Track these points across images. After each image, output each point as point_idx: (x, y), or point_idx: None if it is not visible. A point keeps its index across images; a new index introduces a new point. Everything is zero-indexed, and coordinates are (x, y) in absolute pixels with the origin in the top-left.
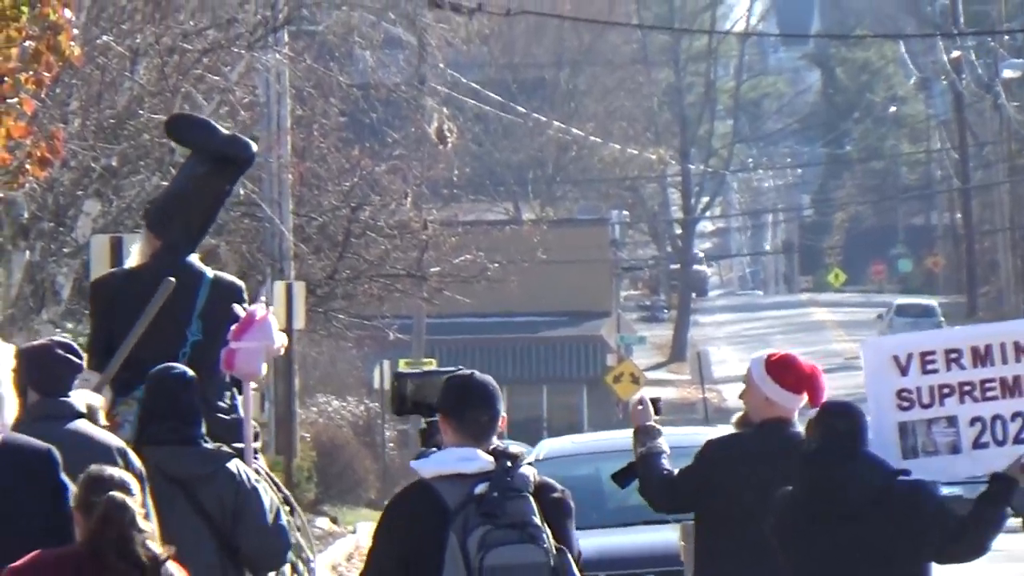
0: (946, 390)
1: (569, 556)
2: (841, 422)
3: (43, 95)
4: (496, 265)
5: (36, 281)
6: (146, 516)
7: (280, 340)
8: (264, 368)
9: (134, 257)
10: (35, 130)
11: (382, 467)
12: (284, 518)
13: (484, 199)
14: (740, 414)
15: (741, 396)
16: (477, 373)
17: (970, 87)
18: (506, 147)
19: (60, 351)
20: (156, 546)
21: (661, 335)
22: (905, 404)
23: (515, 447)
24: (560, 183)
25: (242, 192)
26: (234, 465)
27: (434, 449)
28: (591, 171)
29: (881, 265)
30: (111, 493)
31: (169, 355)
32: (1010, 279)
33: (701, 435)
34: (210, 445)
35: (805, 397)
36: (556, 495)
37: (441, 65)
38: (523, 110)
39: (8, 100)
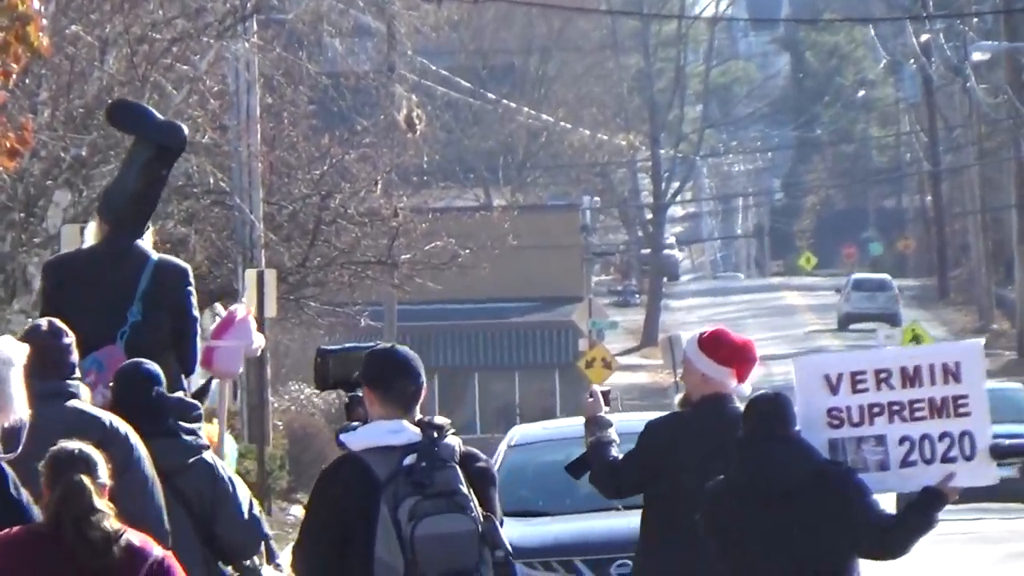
0: (876, 409)
1: (496, 523)
2: (769, 407)
3: (12, 85)
4: (467, 251)
5: (7, 271)
6: (103, 491)
7: (259, 341)
8: (241, 366)
9: (87, 241)
10: (4, 120)
11: None
12: (256, 508)
13: (454, 186)
14: (682, 394)
15: (681, 377)
16: (398, 345)
17: (939, 70)
18: (476, 134)
19: (50, 335)
20: (110, 524)
21: (633, 320)
22: (835, 422)
23: (439, 419)
24: (530, 169)
25: (212, 181)
26: (210, 456)
27: (356, 424)
28: (561, 157)
29: (852, 248)
30: (71, 475)
31: (109, 334)
32: (981, 261)
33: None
34: (188, 437)
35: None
36: (481, 464)
37: (410, 52)
38: (493, 96)
39: None
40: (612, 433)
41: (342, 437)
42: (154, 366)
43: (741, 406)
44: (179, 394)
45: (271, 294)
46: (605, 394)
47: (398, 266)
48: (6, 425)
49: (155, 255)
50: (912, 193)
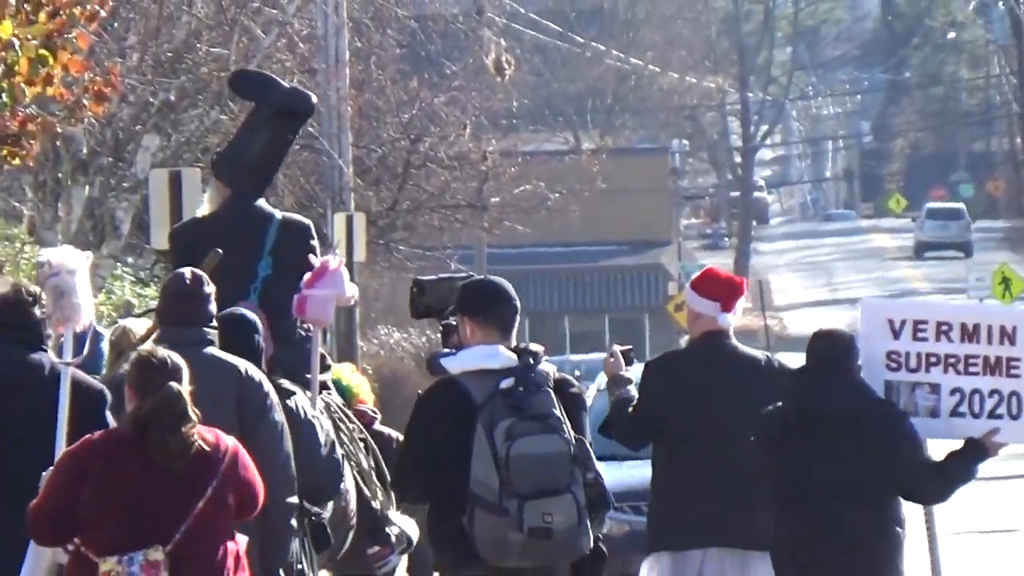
0: (933, 359)
1: (587, 446)
2: (826, 344)
3: (99, 29)
4: (556, 195)
5: (96, 216)
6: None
7: (351, 291)
8: (331, 316)
9: (205, 205)
10: (92, 65)
11: None
12: (339, 452)
13: (543, 129)
14: (688, 337)
15: (687, 320)
16: (491, 276)
17: None
18: (565, 77)
19: (193, 283)
20: (196, 432)
21: (722, 263)
22: (894, 365)
23: (534, 345)
24: (619, 112)
25: None
26: (292, 401)
27: (451, 350)
28: (650, 100)
29: (942, 190)
30: (171, 383)
31: (242, 289)
32: None
33: None
34: (274, 380)
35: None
36: (574, 390)
37: None
38: (582, 40)
39: (64, 35)
40: (632, 389)
41: (442, 361)
42: (251, 314)
43: (738, 342)
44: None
45: (360, 238)
46: (626, 352)
47: (487, 209)
48: (77, 330)
49: (279, 213)
50: (1001, 135)
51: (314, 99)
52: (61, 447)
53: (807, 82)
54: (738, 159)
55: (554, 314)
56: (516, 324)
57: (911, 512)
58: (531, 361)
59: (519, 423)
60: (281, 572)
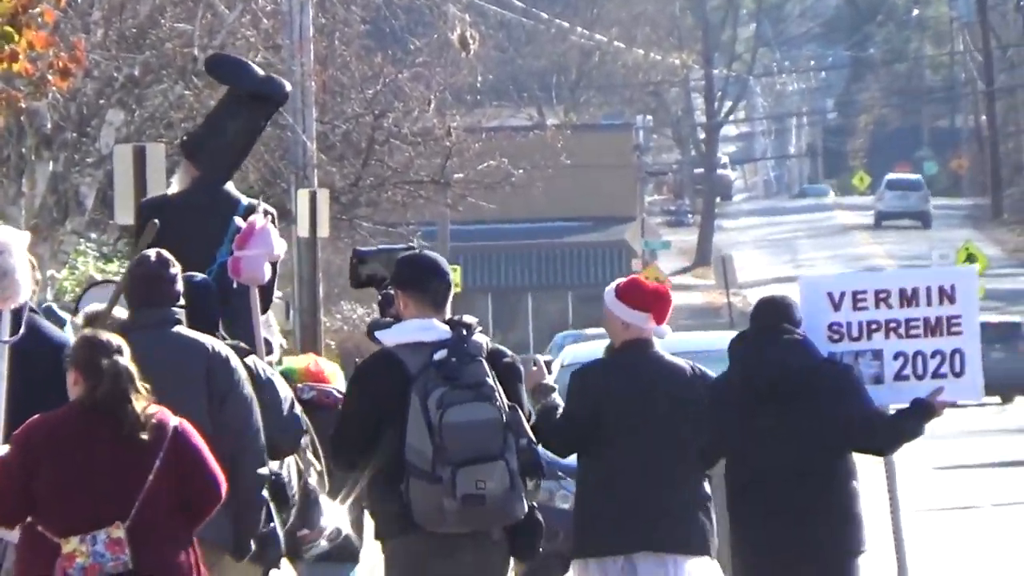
0: (874, 326)
1: (520, 413)
2: (768, 307)
3: (64, 5)
4: (520, 171)
5: (60, 191)
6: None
7: (280, 247)
8: (268, 273)
9: (175, 185)
10: (57, 41)
11: None
12: (298, 408)
13: (508, 105)
14: (608, 343)
15: (604, 326)
16: (425, 251)
17: None
18: (529, 53)
19: (158, 264)
20: (144, 405)
21: (686, 240)
22: (836, 337)
23: (468, 318)
24: (584, 88)
25: None
26: (251, 360)
27: (390, 320)
28: (614, 76)
29: (906, 167)
30: (116, 357)
31: (201, 271)
32: None
33: (723, 339)
34: (229, 342)
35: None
36: (507, 360)
37: None
38: (546, 16)
39: (30, 11)
40: (556, 398)
41: (378, 334)
42: (207, 279)
43: (662, 350)
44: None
45: (324, 214)
46: (548, 363)
47: (451, 185)
48: (12, 307)
49: (244, 199)
50: (966, 112)
51: (288, 87)
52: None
53: (771, 59)
54: (702, 135)
55: (518, 290)
56: (450, 298)
57: (874, 490)
58: (464, 333)
59: (452, 392)
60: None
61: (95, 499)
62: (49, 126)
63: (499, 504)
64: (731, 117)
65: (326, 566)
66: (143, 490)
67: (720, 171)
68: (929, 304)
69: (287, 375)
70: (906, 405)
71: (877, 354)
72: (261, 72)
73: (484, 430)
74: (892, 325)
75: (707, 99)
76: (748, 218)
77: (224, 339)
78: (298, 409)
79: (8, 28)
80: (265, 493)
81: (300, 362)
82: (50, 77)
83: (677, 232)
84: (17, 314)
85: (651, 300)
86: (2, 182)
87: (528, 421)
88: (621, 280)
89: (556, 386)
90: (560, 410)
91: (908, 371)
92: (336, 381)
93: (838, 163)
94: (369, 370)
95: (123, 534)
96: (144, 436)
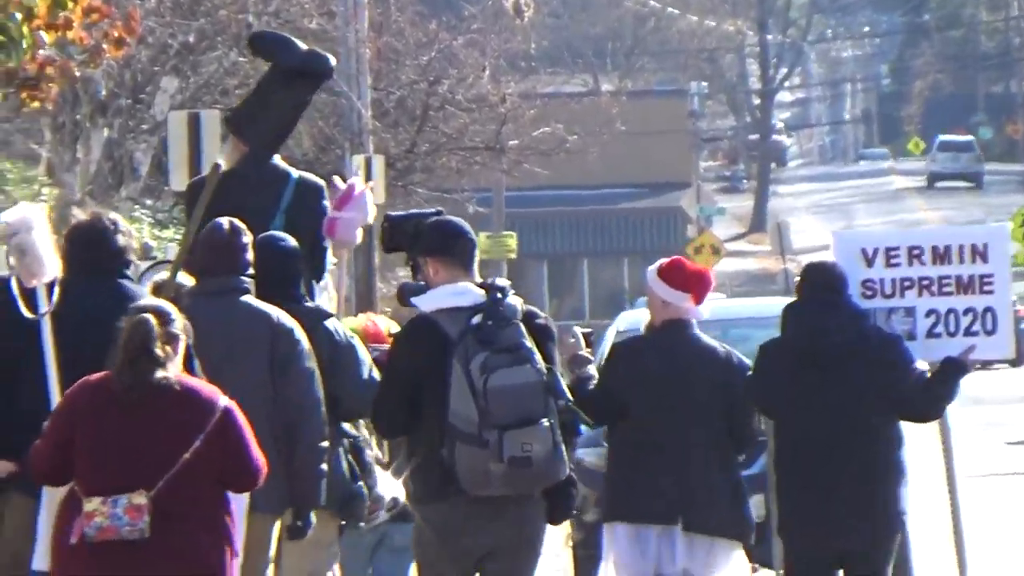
0: (907, 283)
1: (557, 375)
2: (821, 276)
3: None
4: (575, 137)
5: (115, 158)
6: (174, 347)
7: (373, 214)
8: (359, 238)
9: (222, 161)
10: (112, 10)
11: None
12: (376, 373)
13: (562, 71)
14: (648, 321)
15: (647, 305)
16: (444, 214)
17: None
18: (584, 19)
19: (231, 232)
20: (167, 369)
21: (741, 206)
22: (868, 293)
23: (501, 280)
24: (638, 55)
25: None
26: (331, 323)
27: (423, 283)
28: (669, 42)
29: (961, 132)
30: (139, 314)
31: None
32: None
33: (777, 305)
34: (310, 304)
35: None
36: (541, 321)
37: None
38: None
39: None
40: (591, 369)
41: (414, 300)
42: (290, 241)
43: (699, 332)
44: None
45: (379, 180)
46: (586, 335)
47: (506, 152)
48: (45, 281)
49: (295, 172)
50: (1020, 78)
51: (332, 61)
52: (54, 392)
53: (826, 24)
54: (757, 101)
55: (573, 257)
56: (476, 256)
57: (929, 456)
58: (499, 296)
59: (493, 356)
60: (313, 517)
61: (123, 464)
62: (104, 93)
63: (544, 466)
64: (786, 83)
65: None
66: (177, 464)
67: (775, 137)
68: (961, 262)
69: None
70: (937, 363)
71: (910, 311)
72: (304, 47)
73: (527, 393)
74: (925, 282)
75: (762, 65)
76: (803, 184)
77: (307, 301)
78: (376, 373)
79: None
80: (324, 467)
81: (358, 322)
82: (104, 46)
83: (732, 198)
84: (51, 287)
85: (692, 281)
86: (57, 149)
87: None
88: (664, 260)
89: (592, 358)
90: (591, 381)
91: (940, 328)
92: None
93: (893, 129)
94: (409, 336)
95: (145, 501)
96: (182, 410)
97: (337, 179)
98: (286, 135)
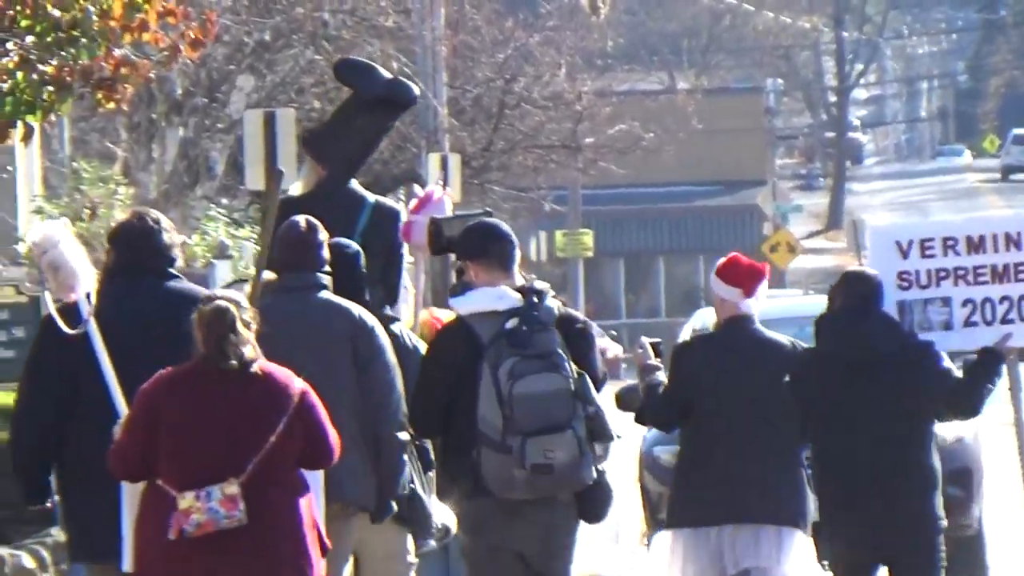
0: (942, 273)
1: (587, 379)
2: (860, 284)
3: None
4: (651, 135)
5: (190, 157)
6: (249, 327)
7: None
8: None
9: (298, 184)
10: (188, 11)
11: None
12: None
13: (638, 69)
14: (714, 320)
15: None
16: (485, 217)
17: None
18: (660, 16)
19: (308, 230)
20: (249, 350)
21: (817, 203)
22: (905, 285)
23: (539, 283)
24: (714, 52)
25: (395, 65)
26: (397, 327)
27: (469, 285)
28: (745, 40)
29: None
30: (215, 302)
31: None
32: None
33: None
34: (382, 310)
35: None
36: (579, 325)
37: None
38: None
39: None
40: (661, 376)
41: (451, 301)
42: (354, 246)
43: (761, 327)
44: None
45: (455, 178)
46: (655, 345)
47: (582, 150)
48: (84, 294)
49: (371, 197)
50: None
51: (416, 90)
52: (116, 395)
53: (902, 21)
54: (833, 99)
55: (649, 254)
56: (516, 260)
57: (1005, 443)
58: (535, 300)
59: (522, 362)
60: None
61: (211, 454)
62: (179, 92)
63: (567, 472)
64: (862, 80)
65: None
66: (263, 449)
67: (851, 134)
68: (996, 251)
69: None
70: (975, 352)
71: (946, 301)
72: (388, 75)
73: (553, 400)
74: (960, 272)
75: (838, 62)
76: (879, 181)
77: (364, 302)
78: None
79: None
80: (407, 457)
81: (421, 317)
82: (180, 47)
83: (808, 196)
84: (77, 307)
85: (744, 276)
86: (133, 148)
87: (598, 387)
88: (723, 259)
89: (661, 366)
90: (660, 387)
91: (977, 317)
92: None
93: (969, 126)
94: (443, 339)
95: (237, 490)
96: (264, 396)
97: (417, 187)
98: (365, 160)
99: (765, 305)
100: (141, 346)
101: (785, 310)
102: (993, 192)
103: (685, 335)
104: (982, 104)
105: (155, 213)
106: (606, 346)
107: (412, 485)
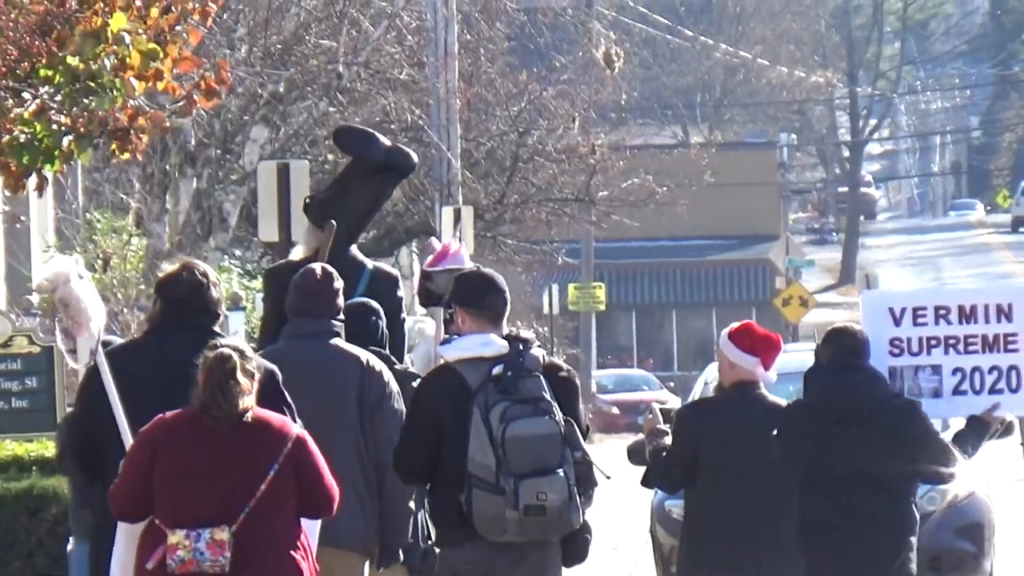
0: (933, 342)
1: (576, 427)
2: (847, 340)
3: (209, 24)
4: (664, 189)
5: (203, 208)
6: (251, 377)
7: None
8: None
9: (299, 250)
10: (202, 61)
11: None
12: None
13: (652, 123)
14: (717, 381)
15: (717, 366)
16: (483, 268)
17: None
18: (674, 71)
19: (324, 278)
20: (246, 399)
21: (830, 258)
22: (896, 351)
23: (525, 333)
24: (728, 106)
25: (409, 118)
26: (416, 384)
27: (456, 336)
28: (759, 94)
29: None
30: (219, 349)
31: None
32: None
33: None
34: (399, 366)
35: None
36: (563, 374)
37: None
38: (690, 33)
39: (175, 28)
40: (668, 440)
41: (440, 348)
42: (372, 303)
43: (766, 391)
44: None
45: (468, 231)
46: (665, 411)
47: (595, 203)
48: (95, 331)
49: (369, 263)
50: None
51: (415, 157)
52: (126, 434)
53: (916, 77)
54: (846, 153)
55: (661, 308)
56: (506, 313)
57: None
58: (521, 348)
59: (512, 406)
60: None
61: (203, 498)
62: (193, 143)
63: (559, 514)
64: (875, 135)
65: None
66: (255, 496)
67: (864, 189)
68: (987, 321)
69: None
70: (963, 420)
71: (936, 369)
72: (388, 143)
73: (544, 443)
74: (951, 341)
75: (851, 117)
76: (892, 236)
77: (396, 363)
78: None
79: (153, 46)
80: (412, 504)
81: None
82: (196, 97)
83: (821, 250)
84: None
85: (760, 346)
86: (146, 199)
87: (583, 435)
88: (735, 324)
89: (668, 430)
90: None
91: (966, 386)
92: None
93: (982, 181)
94: (430, 384)
95: (227, 537)
96: (255, 443)
97: (434, 240)
98: (364, 226)
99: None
100: (167, 397)
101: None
102: (1005, 247)
103: (698, 389)
104: (995, 159)
105: (203, 266)
106: (666, 398)
107: (427, 537)
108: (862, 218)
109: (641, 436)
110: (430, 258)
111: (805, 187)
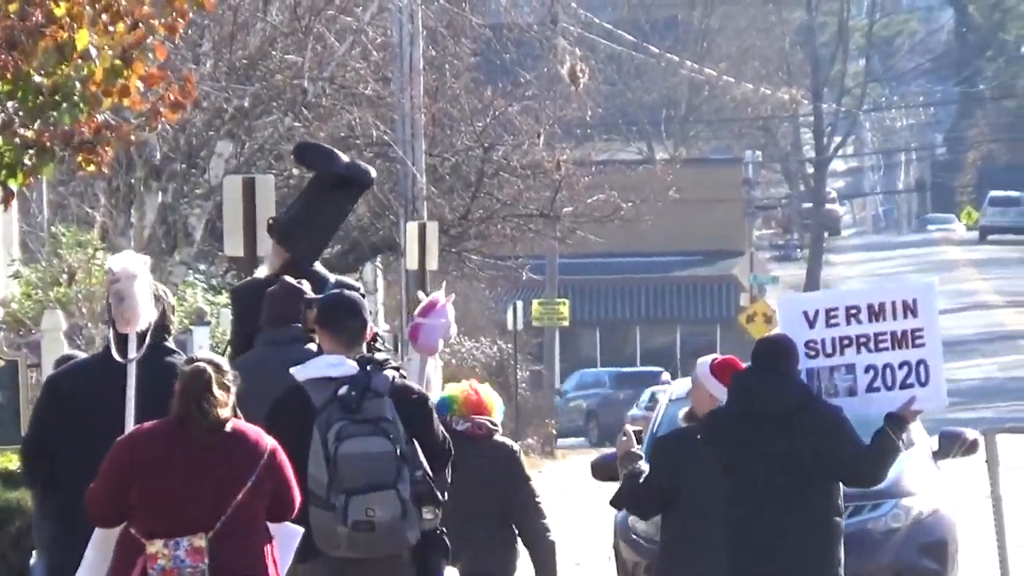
0: (846, 341)
1: (416, 447)
2: (769, 345)
3: (176, 40)
4: (629, 205)
5: (168, 222)
6: (227, 390)
7: (454, 328)
8: (441, 346)
9: (263, 268)
10: (167, 74)
11: (514, 408)
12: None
13: (617, 139)
14: (687, 409)
15: (689, 394)
16: (346, 291)
17: None
18: (639, 87)
19: (292, 285)
20: (224, 411)
21: (794, 274)
22: (812, 353)
23: (380, 355)
24: (693, 123)
25: (374, 133)
26: None
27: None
28: (724, 111)
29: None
30: (195, 363)
31: None
32: None
33: None
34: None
35: None
36: (415, 396)
37: (574, 5)
38: (656, 50)
39: (142, 44)
40: (642, 465)
41: (291, 370)
42: (357, 296)
43: None
44: None
45: (433, 247)
46: (637, 433)
47: (560, 219)
48: (138, 330)
49: (332, 277)
50: None
51: (373, 173)
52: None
53: (880, 94)
54: (811, 170)
55: (626, 324)
56: (364, 337)
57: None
58: (369, 369)
59: (350, 425)
60: None
61: (180, 508)
62: (158, 157)
63: (389, 531)
64: (840, 152)
65: None
66: (232, 505)
67: (829, 206)
68: (895, 318)
69: (447, 403)
70: (878, 416)
71: (850, 368)
72: (346, 159)
73: (377, 461)
74: (862, 340)
75: (816, 134)
76: (856, 253)
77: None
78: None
79: (119, 62)
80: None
81: (458, 389)
82: (161, 110)
83: (785, 267)
84: (142, 335)
85: None
86: (111, 213)
87: (439, 454)
88: (718, 356)
89: (643, 455)
90: (642, 476)
91: (879, 383)
92: (496, 411)
93: (947, 198)
94: (279, 405)
95: (205, 544)
96: (233, 453)
97: (420, 293)
98: (326, 243)
99: None
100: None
101: None
102: (970, 264)
103: (662, 405)
104: (960, 176)
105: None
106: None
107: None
108: (827, 235)
109: (605, 451)
110: (419, 309)
111: (770, 203)
